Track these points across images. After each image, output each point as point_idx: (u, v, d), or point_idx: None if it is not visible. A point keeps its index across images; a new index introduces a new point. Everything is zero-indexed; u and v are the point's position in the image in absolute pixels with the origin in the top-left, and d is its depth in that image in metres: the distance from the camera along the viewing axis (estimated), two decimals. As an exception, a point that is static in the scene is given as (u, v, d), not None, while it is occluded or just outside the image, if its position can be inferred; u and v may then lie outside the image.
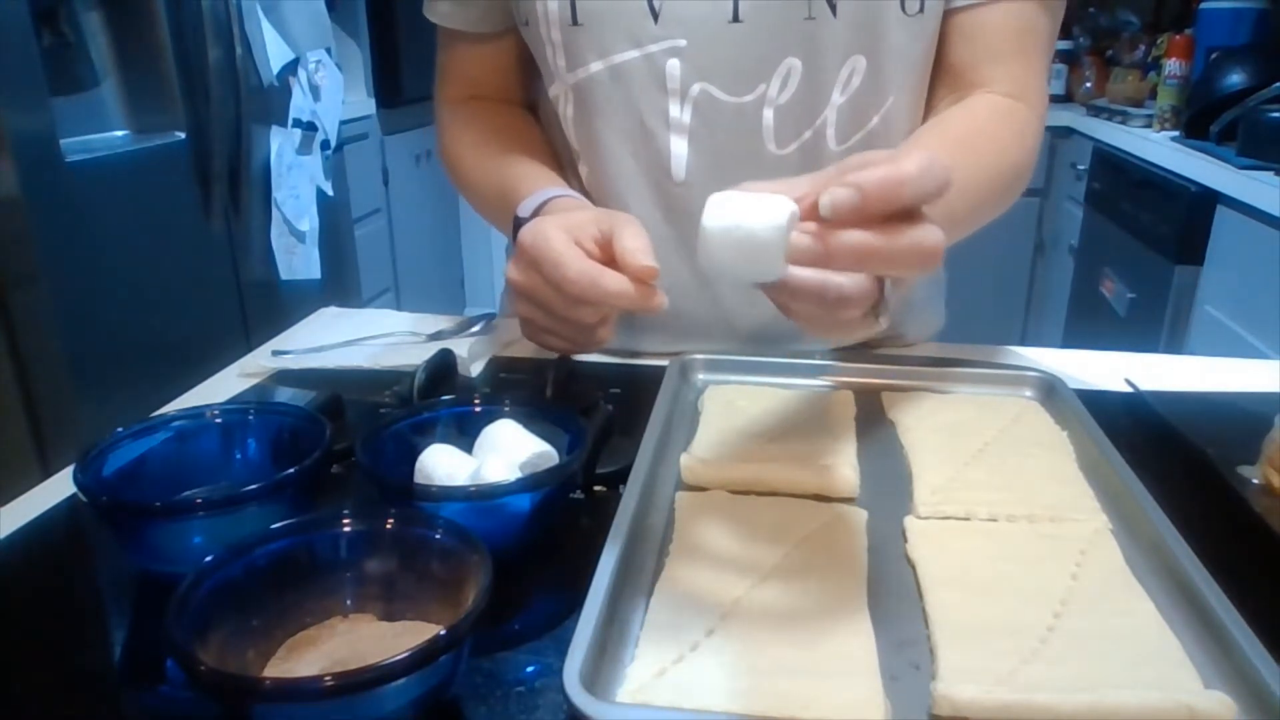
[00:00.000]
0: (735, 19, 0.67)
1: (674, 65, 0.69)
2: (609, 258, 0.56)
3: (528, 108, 0.85)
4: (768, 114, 0.69)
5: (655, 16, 0.67)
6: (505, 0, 0.75)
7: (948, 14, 0.71)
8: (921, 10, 0.68)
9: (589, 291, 0.55)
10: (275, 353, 0.77)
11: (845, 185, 0.40)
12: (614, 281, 0.54)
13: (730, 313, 0.78)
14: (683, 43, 0.68)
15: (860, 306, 0.44)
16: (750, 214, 0.41)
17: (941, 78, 0.74)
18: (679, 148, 0.71)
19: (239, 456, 0.54)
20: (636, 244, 0.55)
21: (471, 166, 0.80)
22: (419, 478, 0.49)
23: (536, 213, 0.67)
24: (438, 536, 0.41)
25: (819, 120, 0.70)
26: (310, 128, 2.08)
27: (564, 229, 0.58)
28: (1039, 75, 0.72)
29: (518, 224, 0.67)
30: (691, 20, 0.67)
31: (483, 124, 0.81)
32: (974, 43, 0.71)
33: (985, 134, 0.69)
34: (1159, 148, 2.09)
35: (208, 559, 0.39)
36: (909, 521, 0.50)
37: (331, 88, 2.14)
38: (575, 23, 0.69)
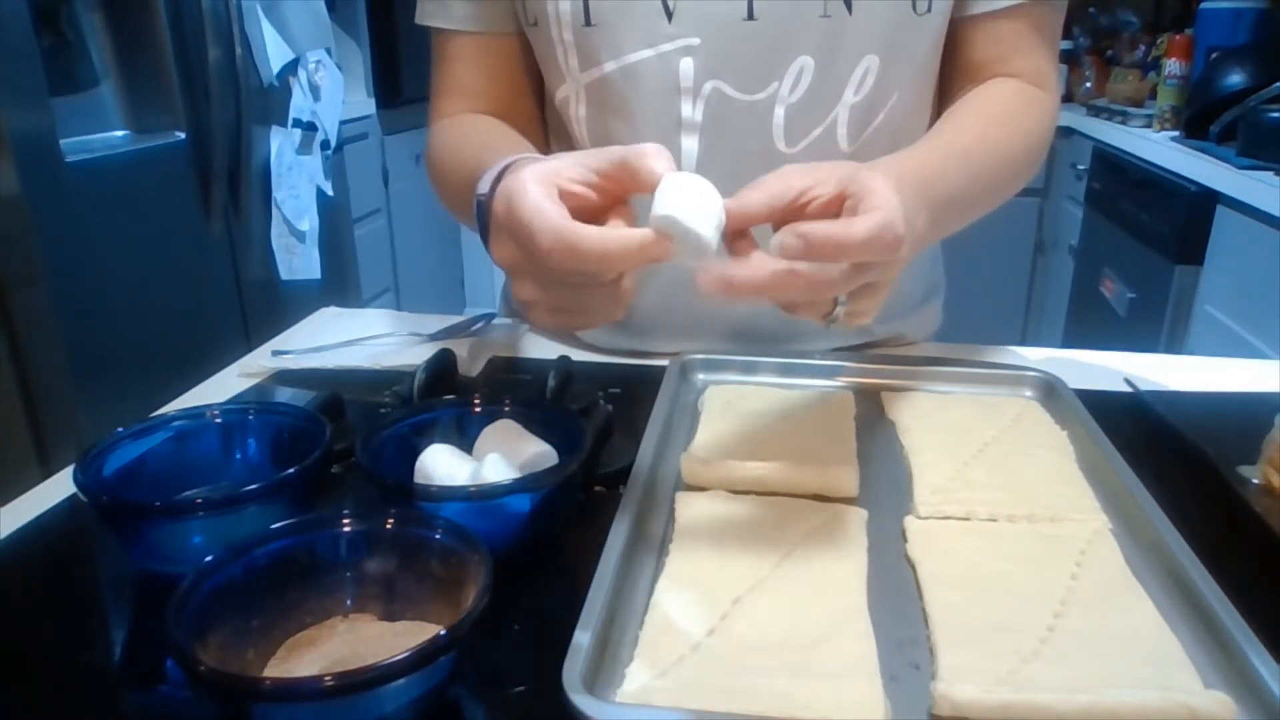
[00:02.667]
0: (750, 17, 0.67)
1: (687, 64, 0.68)
2: (612, 198, 0.47)
3: (526, 120, 0.81)
4: (779, 112, 0.69)
5: (669, 15, 0.67)
6: (497, 3, 0.74)
7: (970, 19, 0.73)
8: (930, 9, 0.69)
9: (586, 258, 0.44)
10: (275, 353, 0.77)
11: (795, 235, 0.43)
12: (609, 239, 0.44)
13: (731, 311, 0.77)
14: (696, 41, 0.67)
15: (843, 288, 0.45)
16: (679, 203, 0.44)
17: (962, 74, 0.76)
18: (689, 145, 0.71)
19: (239, 456, 0.54)
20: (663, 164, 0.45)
21: (446, 168, 0.75)
22: (419, 478, 0.49)
23: (498, 183, 0.53)
24: (438, 536, 0.41)
25: (829, 119, 0.70)
26: (310, 128, 2.08)
27: (539, 180, 0.46)
28: (1054, 65, 0.77)
29: (480, 207, 0.55)
30: (706, 18, 0.67)
31: (465, 128, 0.77)
32: (997, 43, 0.74)
33: (1014, 113, 0.73)
34: (1159, 148, 2.09)
35: (208, 559, 0.39)
36: (909, 521, 0.50)
37: (331, 88, 2.14)
38: (588, 24, 0.68)
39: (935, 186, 0.59)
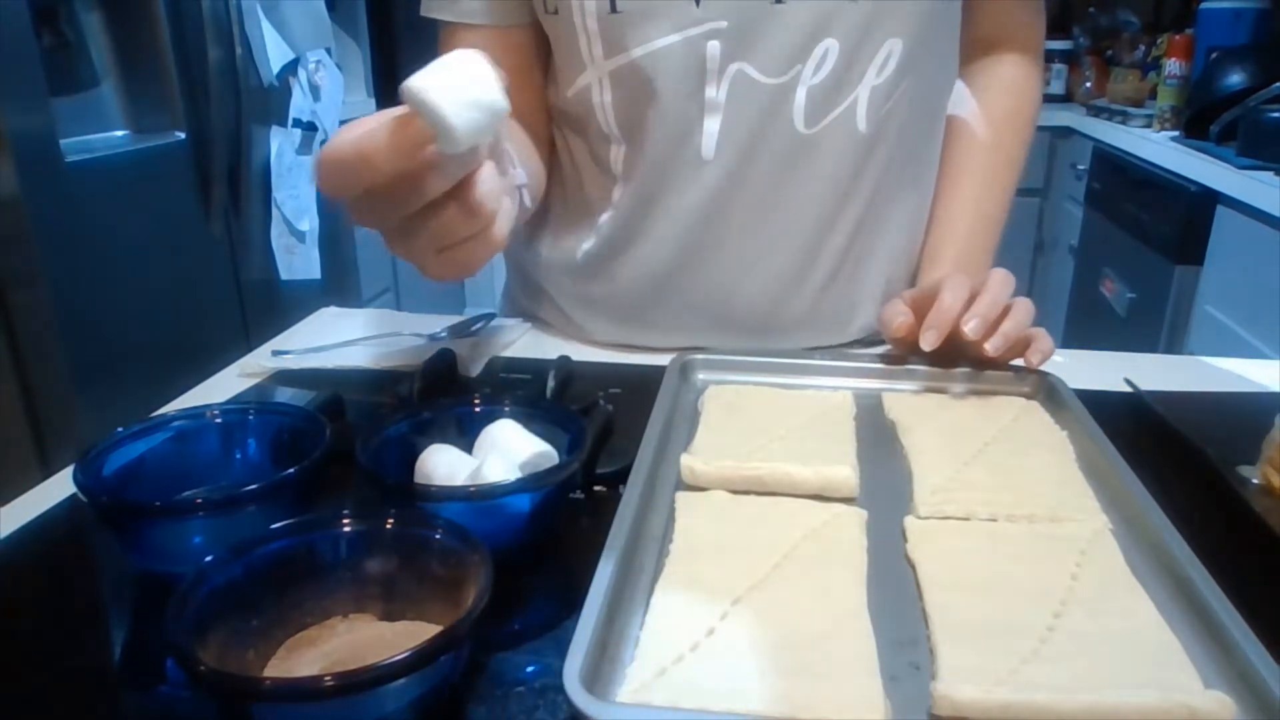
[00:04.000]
0: (778, 0, 0.67)
1: (714, 47, 0.68)
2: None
3: (531, 113, 0.80)
4: (800, 94, 0.69)
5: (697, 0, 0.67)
6: None
7: None
8: None
9: (346, 165, 0.42)
10: (275, 353, 0.77)
11: (926, 331, 0.65)
12: (355, 134, 0.41)
13: (724, 300, 0.77)
14: (724, 25, 0.67)
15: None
16: (431, 79, 0.40)
17: (968, 46, 0.82)
18: (710, 126, 0.71)
19: (239, 456, 0.54)
20: None
21: None
22: (419, 478, 0.49)
23: None
24: (438, 536, 0.41)
25: (849, 100, 0.70)
26: (310, 128, 2.08)
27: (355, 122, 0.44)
28: (1043, 26, 0.88)
29: None
30: (734, 2, 0.67)
31: None
32: (1000, 19, 0.83)
33: (1016, 109, 0.85)
34: (1159, 148, 2.09)
35: (208, 559, 0.39)
36: (909, 521, 0.50)
37: (331, 88, 2.14)
38: (614, 10, 0.68)
39: (983, 233, 0.82)
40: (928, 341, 0.65)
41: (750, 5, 0.67)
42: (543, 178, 0.80)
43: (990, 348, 0.63)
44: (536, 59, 0.79)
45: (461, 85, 0.41)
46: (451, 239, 0.47)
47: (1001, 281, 0.66)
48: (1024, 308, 0.66)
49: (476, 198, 0.45)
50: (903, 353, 0.70)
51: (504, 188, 0.48)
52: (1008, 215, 0.85)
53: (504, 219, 0.48)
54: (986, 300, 0.65)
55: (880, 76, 0.70)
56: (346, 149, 0.42)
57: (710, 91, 0.69)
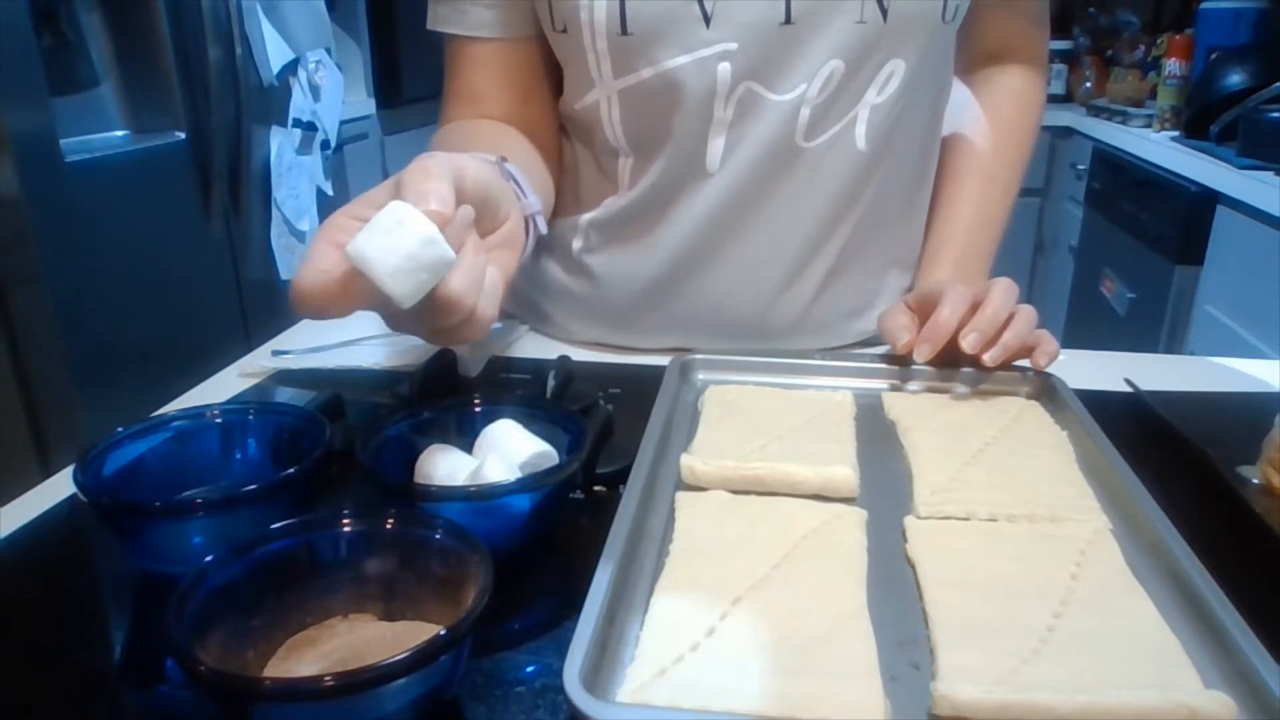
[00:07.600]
0: (787, 21, 0.67)
1: (724, 69, 0.68)
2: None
3: (538, 123, 0.80)
4: (804, 112, 0.70)
5: (707, 21, 0.67)
6: (515, 8, 0.74)
7: (980, 13, 0.78)
8: (955, 18, 0.71)
9: (298, 307, 0.47)
10: (275, 353, 0.77)
11: (921, 344, 0.65)
12: (304, 280, 0.46)
13: (718, 305, 0.77)
14: (734, 46, 0.67)
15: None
16: (374, 244, 0.41)
17: (973, 58, 0.84)
18: (716, 142, 0.71)
19: (239, 456, 0.54)
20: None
21: None
22: (419, 478, 0.49)
23: None
24: (438, 536, 0.41)
25: (849, 117, 0.71)
26: (310, 128, 2.08)
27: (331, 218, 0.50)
28: (1047, 37, 0.88)
29: None
30: (744, 23, 0.67)
31: (459, 137, 0.75)
32: (1002, 33, 0.84)
33: (1017, 122, 0.86)
34: (1159, 148, 2.09)
35: (208, 559, 0.39)
36: (909, 521, 0.50)
37: (331, 88, 2.14)
38: (624, 32, 0.67)
39: (984, 235, 0.83)
40: (921, 355, 0.65)
41: (760, 26, 0.67)
42: (553, 195, 0.79)
43: (989, 359, 0.64)
44: (546, 72, 0.79)
45: (404, 248, 0.42)
46: (438, 326, 0.49)
47: (1004, 292, 0.66)
48: (1025, 316, 0.66)
49: (450, 298, 0.47)
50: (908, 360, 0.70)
51: (480, 273, 0.49)
52: (1009, 218, 0.85)
53: (487, 299, 0.50)
54: (987, 314, 0.65)
55: (881, 96, 0.70)
56: (306, 294, 0.45)
57: (719, 110, 0.70)
